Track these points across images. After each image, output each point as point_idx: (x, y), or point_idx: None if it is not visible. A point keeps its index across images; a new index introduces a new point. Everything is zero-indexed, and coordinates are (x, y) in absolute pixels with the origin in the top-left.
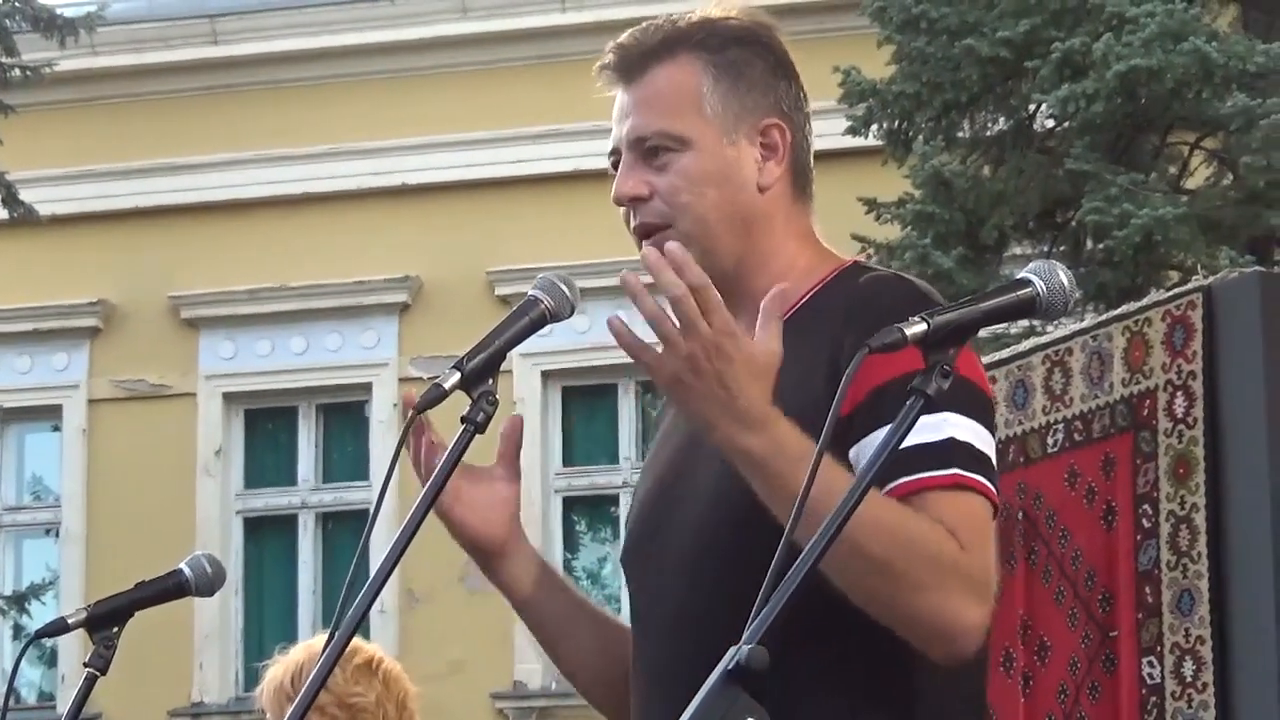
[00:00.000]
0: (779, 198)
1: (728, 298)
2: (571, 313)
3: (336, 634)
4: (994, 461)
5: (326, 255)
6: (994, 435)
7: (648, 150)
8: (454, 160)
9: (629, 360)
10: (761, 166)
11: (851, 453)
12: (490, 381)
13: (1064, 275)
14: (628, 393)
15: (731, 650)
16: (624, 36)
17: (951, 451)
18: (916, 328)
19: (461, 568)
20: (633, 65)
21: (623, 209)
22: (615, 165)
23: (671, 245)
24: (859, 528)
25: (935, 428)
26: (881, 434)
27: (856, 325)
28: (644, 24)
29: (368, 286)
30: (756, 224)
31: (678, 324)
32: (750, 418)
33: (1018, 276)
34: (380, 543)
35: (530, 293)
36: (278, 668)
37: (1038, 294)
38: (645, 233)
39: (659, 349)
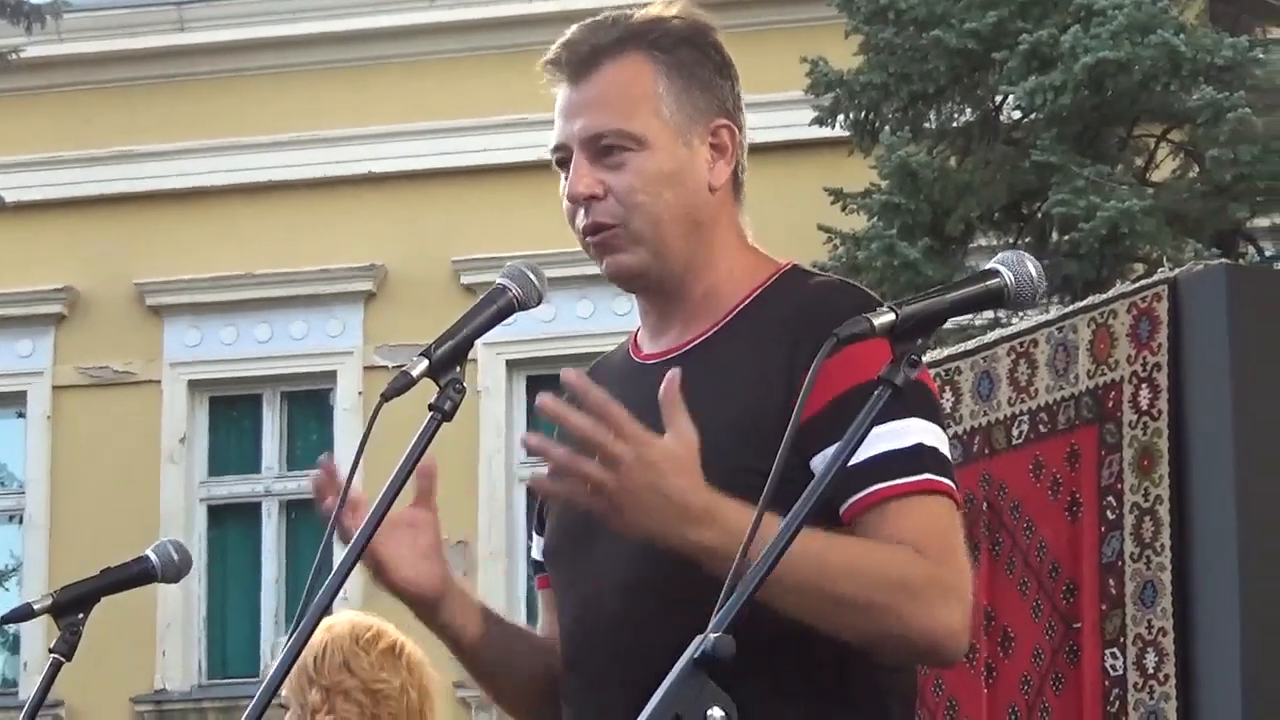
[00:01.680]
0: (725, 199)
1: (667, 297)
2: (539, 301)
3: (303, 620)
4: (950, 460)
5: (292, 243)
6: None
7: (602, 149)
8: (420, 149)
9: (594, 349)
10: (712, 167)
11: (814, 462)
12: (458, 369)
13: (1032, 266)
14: None
15: (698, 639)
16: (571, 33)
17: (922, 457)
18: (884, 317)
19: None
20: (583, 62)
21: (569, 205)
22: (560, 163)
23: (566, 376)
24: (827, 574)
25: (902, 434)
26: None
27: (811, 331)
28: (590, 20)
29: (333, 274)
30: (705, 225)
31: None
32: (694, 514)
33: (986, 267)
34: None
35: (498, 281)
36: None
37: (1006, 284)
38: (595, 230)
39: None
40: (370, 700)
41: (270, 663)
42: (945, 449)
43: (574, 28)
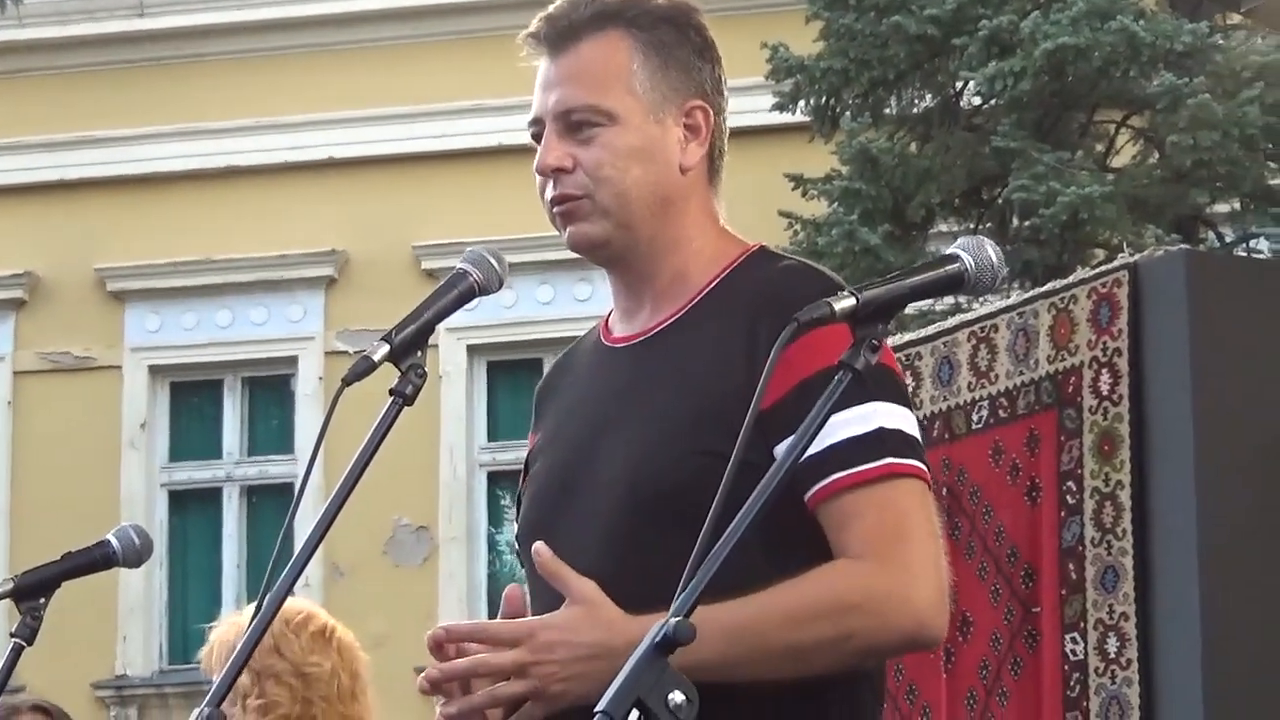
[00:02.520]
0: (697, 180)
1: (632, 275)
2: (500, 286)
3: (264, 605)
4: (920, 441)
5: (252, 229)
6: (914, 413)
7: (573, 123)
8: (380, 134)
9: (555, 334)
10: (685, 147)
11: (778, 449)
12: (419, 354)
13: (992, 251)
14: None
15: (659, 623)
16: (552, 8)
17: (882, 441)
18: (845, 302)
19: (385, 542)
20: (561, 37)
21: (540, 179)
22: (536, 136)
23: (433, 635)
24: (769, 636)
25: (864, 419)
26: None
27: (771, 315)
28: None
29: (293, 260)
30: (674, 204)
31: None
32: (621, 654)
33: (946, 252)
34: (306, 516)
35: (459, 266)
36: (228, 630)
37: (966, 270)
38: (562, 200)
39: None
40: (301, 683)
41: (202, 651)
42: (911, 429)
43: (557, 3)
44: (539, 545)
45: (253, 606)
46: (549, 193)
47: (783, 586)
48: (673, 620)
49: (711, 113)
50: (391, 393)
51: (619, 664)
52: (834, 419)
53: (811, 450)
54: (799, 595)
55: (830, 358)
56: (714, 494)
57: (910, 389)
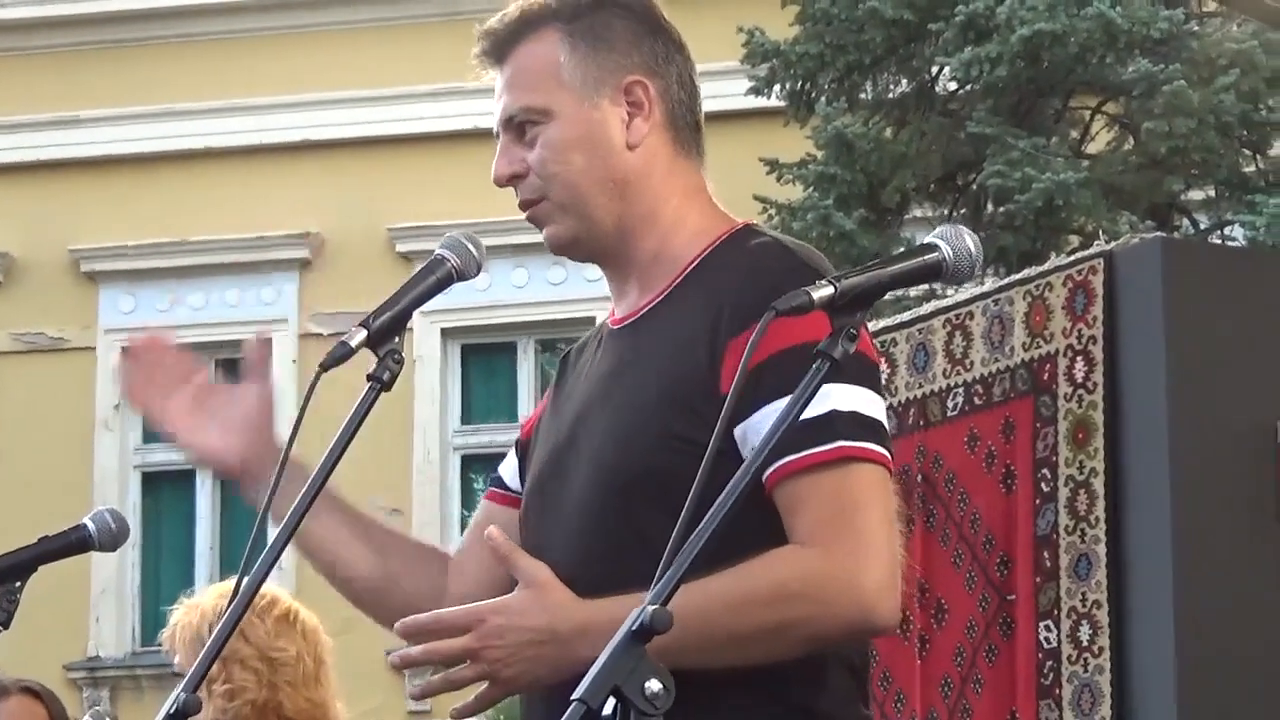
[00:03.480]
0: (654, 154)
1: (613, 261)
2: (478, 272)
3: (243, 587)
4: (884, 423)
5: (227, 210)
6: (883, 398)
7: (517, 127)
8: (355, 116)
9: (529, 318)
10: (629, 125)
11: (737, 431)
12: (396, 340)
13: (970, 240)
14: (527, 351)
15: (636, 610)
16: (490, 21)
17: (833, 424)
18: (823, 290)
19: None
20: (501, 47)
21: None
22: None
23: (397, 628)
24: (714, 623)
25: (818, 402)
26: (768, 410)
27: (737, 296)
28: (506, 9)
29: (268, 242)
30: (631, 183)
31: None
32: (569, 638)
33: (924, 241)
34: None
35: (437, 251)
36: (190, 613)
37: (944, 258)
38: (525, 207)
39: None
40: (267, 668)
41: (163, 633)
42: (872, 410)
43: (495, 16)
44: (491, 529)
45: (215, 588)
46: (517, 199)
47: (728, 573)
48: (650, 608)
49: (653, 85)
50: (369, 378)
51: (566, 649)
52: (789, 402)
53: (765, 434)
54: (740, 582)
55: (789, 338)
56: (679, 477)
57: (885, 376)
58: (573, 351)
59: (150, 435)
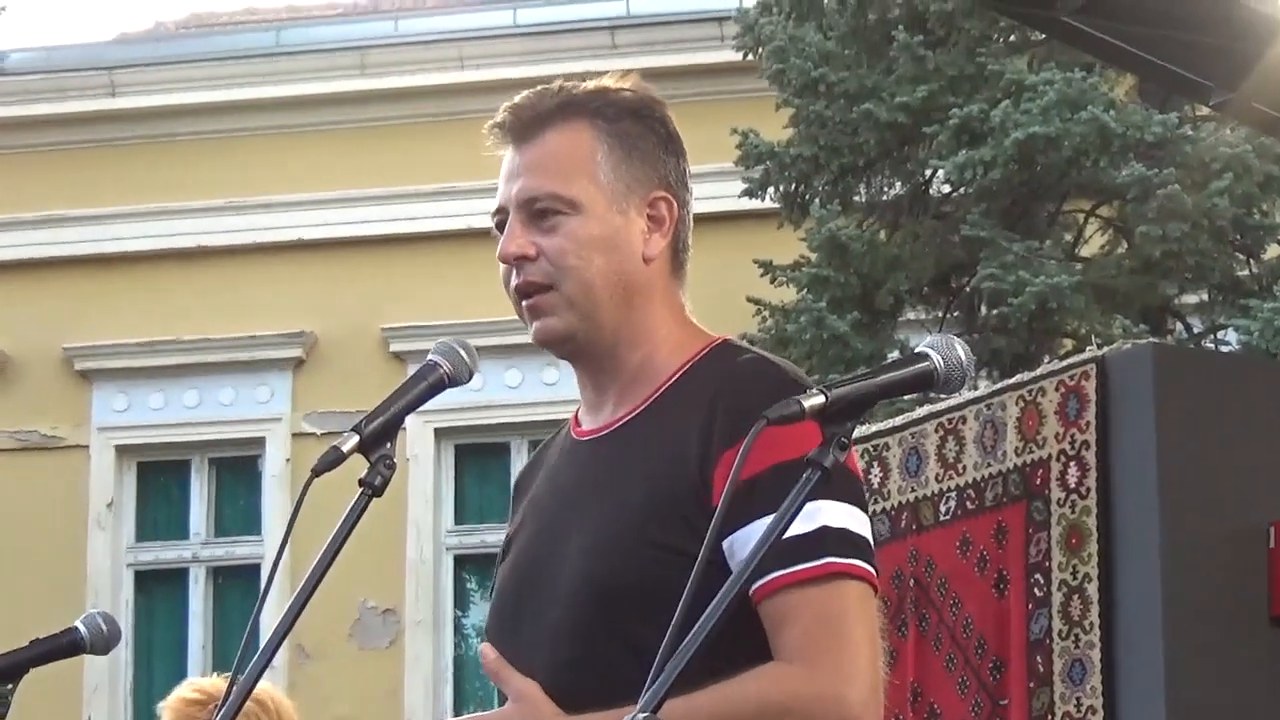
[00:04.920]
0: (660, 271)
1: (596, 366)
2: (470, 377)
3: (233, 694)
4: (870, 541)
5: (221, 309)
6: (867, 513)
7: (537, 212)
8: (349, 216)
9: (522, 419)
10: (648, 238)
11: (725, 544)
12: (388, 445)
13: (962, 350)
14: (521, 452)
15: (627, 717)
16: (519, 98)
17: (824, 541)
18: (814, 400)
19: (351, 625)
20: (527, 126)
21: (504, 268)
22: (500, 225)
23: (485, 648)
24: None
25: (809, 517)
26: (758, 525)
27: (724, 410)
28: (539, 87)
29: (262, 341)
30: (638, 295)
31: None
32: None
33: (916, 350)
34: (273, 599)
35: (429, 357)
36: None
37: (935, 369)
38: (526, 292)
39: None
40: None
41: None
42: (859, 528)
43: (523, 93)
44: (484, 646)
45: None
46: (513, 281)
47: (714, 689)
48: (640, 716)
49: (675, 204)
50: (360, 483)
51: None
52: (779, 511)
53: (754, 545)
54: (726, 699)
55: (783, 452)
56: (666, 587)
57: (878, 480)
58: (527, 468)
59: (143, 533)
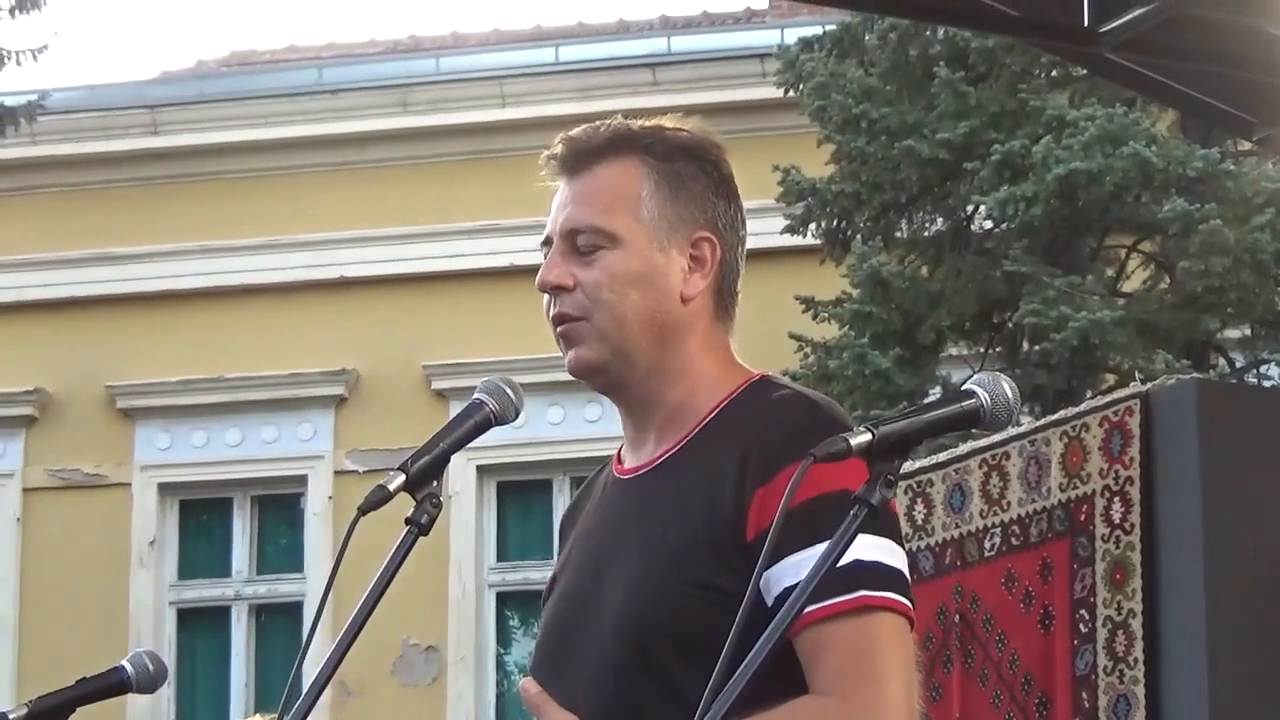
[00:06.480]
0: (700, 312)
1: (633, 402)
2: (516, 416)
3: None
4: (906, 573)
5: (263, 347)
6: (903, 548)
7: (578, 243)
8: (391, 254)
9: (564, 455)
10: (688, 278)
11: (763, 580)
12: (434, 484)
13: (1008, 387)
14: (562, 489)
15: None
16: (575, 131)
17: (856, 575)
18: (861, 438)
19: (394, 662)
20: (579, 159)
21: (545, 297)
22: (548, 255)
23: (526, 683)
24: None
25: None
26: (795, 558)
27: (760, 446)
28: (597, 122)
29: (304, 379)
30: (674, 333)
31: None
32: None
33: (963, 388)
34: (315, 637)
35: (476, 396)
36: None
37: (982, 406)
38: (561, 321)
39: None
40: None
41: None
42: (895, 561)
43: (580, 127)
44: (526, 682)
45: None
46: (551, 310)
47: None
48: None
49: (719, 246)
50: (407, 522)
51: None
52: (816, 550)
53: (788, 582)
54: None
55: (818, 487)
56: (704, 624)
57: (922, 516)
58: (572, 505)
59: (186, 571)
